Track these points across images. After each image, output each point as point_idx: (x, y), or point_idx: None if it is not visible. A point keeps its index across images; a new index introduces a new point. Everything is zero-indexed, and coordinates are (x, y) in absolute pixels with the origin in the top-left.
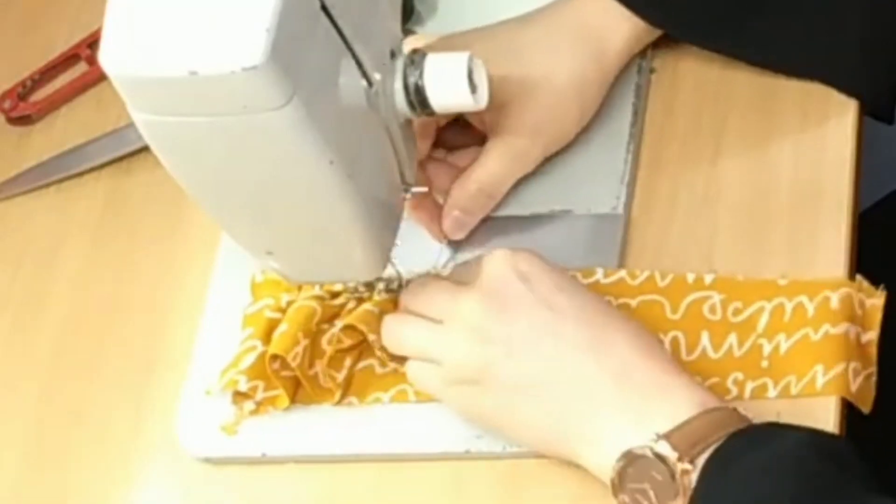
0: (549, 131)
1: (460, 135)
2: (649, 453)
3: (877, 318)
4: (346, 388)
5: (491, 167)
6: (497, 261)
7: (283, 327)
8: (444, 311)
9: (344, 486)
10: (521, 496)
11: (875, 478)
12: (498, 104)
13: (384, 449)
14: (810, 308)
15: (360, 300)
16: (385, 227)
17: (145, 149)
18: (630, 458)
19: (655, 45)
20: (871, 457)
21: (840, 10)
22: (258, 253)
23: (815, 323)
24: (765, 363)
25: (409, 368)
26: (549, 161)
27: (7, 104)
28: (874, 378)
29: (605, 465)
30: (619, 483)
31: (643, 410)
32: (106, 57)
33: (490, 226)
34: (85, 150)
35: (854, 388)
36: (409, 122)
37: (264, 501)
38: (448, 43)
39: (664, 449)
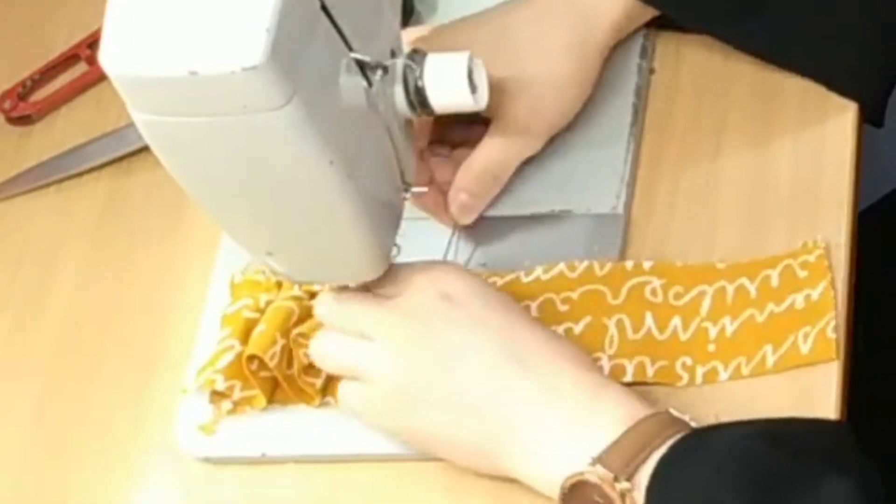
0: (549, 109)
1: (463, 131)
2: (586, 479)
3: (823, 267)
4: (325, 388)
5: (496, 148)
6: (420, 281)
7: (260, 327)
8: (371, 327)
9: (344, 486)
10: (520, 496)
11: (874, 459)
12: (496, 82)
13: (384, 449)
14: (752, 290)
15: None
16: (385, 227)
17: (145, 149)
18: (571, 486)
19: (655, 45)
20: (869, 443)
21: (842, 10)
22: (258, 253)
23: (758, 304)
24: (711, 346)
25: (340, 388)
26: (549, 161)
27: (7, 104)
28: (833, 322)
29: (547, 485)
30: None
31: (576, 428)
32: (106, 57)
33: (490, 226)
34: (85, 150)
35: (806, 349)
36: (409, 122)
37: (264, 501)
38: (440, 33)
39: (599, 472)
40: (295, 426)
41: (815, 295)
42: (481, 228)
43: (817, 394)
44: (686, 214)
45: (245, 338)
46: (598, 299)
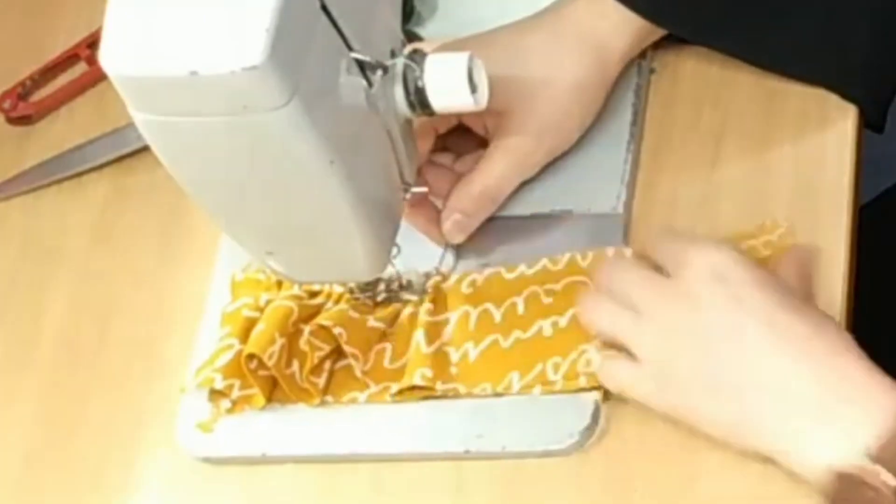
0: (551, 136)
1: (462, 139)
2: (857, 471)
3: (787, 245)
4: (325, 388)
5: (493, 171)
6: (697, 264)
7: (260, 326)
8: (643, 301)
9: (344, 486)
10: (521, 496)
11: None
12: (500, 110)
13: (384, 449)
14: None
15: (339, 301)
16: (385, 227)
17: (145, 149)
18: (838, 477)
19: (655, 45)
20: None
21: (847, 16)
22: (258, 253)
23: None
24: None
25: (605, 364)
26: (549, 161)
27: (7, 104)
28: None
29: (807, 470)
30: (834, 499)
31: (843, 416)
32: (106, 57)
33: (490, 226)
34: (85, 150)
35: None
36: (409, 122)
37: (264, 501)
38: (449, 49)
39: (869, 466)
40: (295, 426)
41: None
42: (481, 229)
43: None
44: (686, 214)
45: (244, 336)
46: (582, 290)
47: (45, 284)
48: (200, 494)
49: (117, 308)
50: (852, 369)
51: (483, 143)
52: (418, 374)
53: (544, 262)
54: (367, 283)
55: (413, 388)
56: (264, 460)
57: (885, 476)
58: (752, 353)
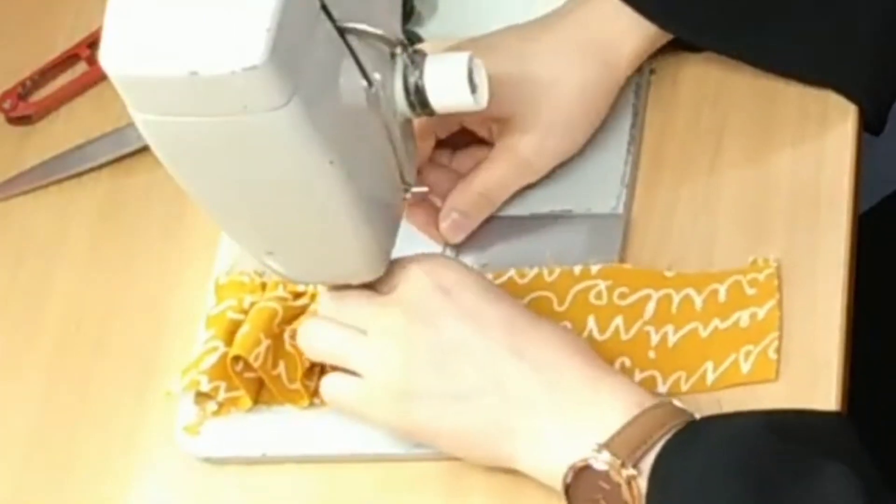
0: (555, 141)
1: (461, 134)
2: (592, 465)
3: (772, 287)
4: (316, 390)
5: (495, 173)
6: (416, 274)
7: (244, 328)
8: (367, 321)
9: (344, 486)
10: (520, 496)
11: (874, 455)
12: (505, 115)
13: (384, 449)
14: (698, 301)
15: None
16: (385, 227)
17: (145, 149)
18: (575, 472)
19: None
20: (869, 443)
21: (854, 19)
22: (258, 253)
23: (703, 317)
24: (651, 354)
25: (326, 383)
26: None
27: (7, 104)
28: (777, 342)
29: (548, 474)
30: (572, 496)
31: (579, 417)
32: (106, 57)
33: (490, 226)
34: (85, 150)
35: (747, 369)
36: (409, 122)
37: (264, 501)
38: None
39: (606, 459)
40: (295, 426)
41: (761, 314)
42: (481, 229)
43: (817, 393)
44: (686, 215)
45: (229, 339)
46: (545, 306)
47: (45, 284)
48: (200, 494)
49: (117, 308)
50: (589, 372)
51: (482, 138)
52: None
53: (511, 274)
54: (367, 284)
55: None
56: (264, 460)
57: (616, 468)
58: (490, 360)
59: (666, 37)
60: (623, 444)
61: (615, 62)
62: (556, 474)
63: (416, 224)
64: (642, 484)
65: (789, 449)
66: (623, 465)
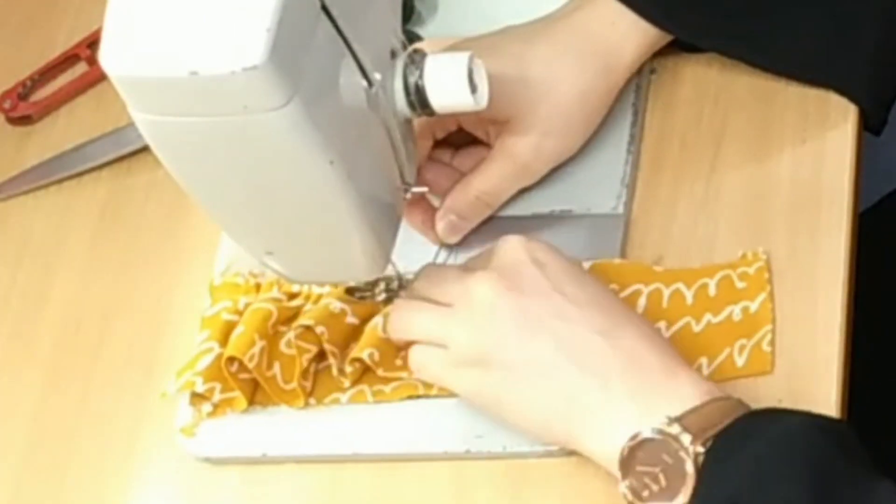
0: (554, 143)
1: (462, 134)
2: (661, 436)
3: (762, 280)
4: (312, 390)
5: (492, 177)
6: (513, 245)
7: (239, 329)
8: (456, 294)
9: (344, 486)
10: (521, 496)
11: (874, 462)
12: (503, 117)
13: (384, 449)
14: (688, 296)
15: (318, 302)
16: (385, 227)
17: (145, 149)
18: (640, 441)
19: None
20: (869, 443)
21: (855, 19)
22: (258, 253)
23: (695, 312)
24: None
25: (413, 353)
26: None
27: (7, 104)
28: (770, 335)
29: (610, 450)
30: (626, 465)
31: (653, 396)
32: (106, 57)
33: (490, 226)
34: (85, 150)
35: (741, 363)
36: (409, 122)
37: (264, 501)
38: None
39: (678, 431)
40: (295, 426)
41: (753, 307)
42: (481, 229)
43: (817, 394)
44: (686, 215)
45: (224, 340)
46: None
47: (45, 284)
48: (200, 494)
49: (117, 308)
50: (666, 360)
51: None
52: (367, 353)
53: None
54: (367, 283)
55: (391, 387)
56: (264, 460)
57: (685, 440)
58: (572, 336)
59: (666, 38)
60: (695, 423)
61: (615, 65)
62: (615, 451)
63: (412, 224)
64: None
65: (838, 456)
66: (693, 440)
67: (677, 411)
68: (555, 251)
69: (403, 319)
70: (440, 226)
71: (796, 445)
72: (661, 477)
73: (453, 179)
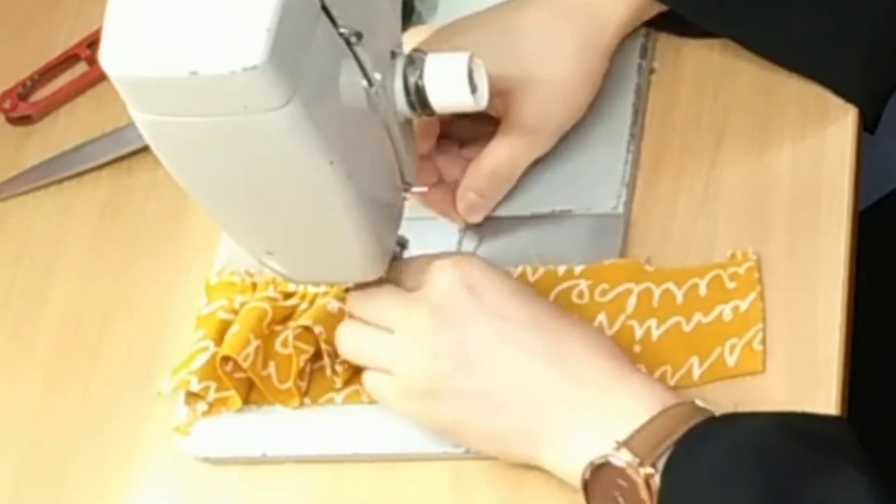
0: (558, 108)
1: (471, 128)
2: (611, 462)
3: (752, 279)
4: (306, 391)
5: (504, 149)
6: (443, 272)
7: (234, 328)
8: (395, 319)
9: (344, 486)
10: (521, 496)
11: (875, 457)
12: (502, 91)
13: (384, 449)
14: (678, 295)
15: (313, 303)
16: (385, 227)
17: (145, 149)
18: (594, 469)
19: (655, 44)
20: (869, 443)
21: (850, 13)
22: (258, 253)
23: (685, 312)
24: (637, 348)
25: (365, 379)
26: (549, 161)
27: (7, 104)
28: (761, 334)
29: (570, 474)
30: (588, 491)
31: (602, 414)
32: (106, 57)
33: (490, 226)
34: (85, 150)
35: (732, 362)
36: (409, 122)
37: (264, 501)
38: (444, 34)
39: (625, 456)
40: (293, 426)
41: (743, 306)
42: (482, 229)
43: (817, 394)
44: (686, 214)
45: (219, 339)
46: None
47: (45, 284)
48: (200, 494)
49: (117, 308)
50: (612, 370)
51: (491, 129)
52: None
53: (521, 268)
54: (367, 283)
55: None
56: (264, 460)
57: (634, 466)
58: (516, 360)
59: (656, 7)
60: (642, 443)
61: (603, 26)
62: (577, 472)
63: (434, 207)
64: (659, 482)
65: (801, 451)
66: (641, 463)
67: (625, 432)
68: (491, 271)
69: (350, 343)
70: (461, 206)
71: (748, 452)
72: (621, 500)
73: (463, 167)
